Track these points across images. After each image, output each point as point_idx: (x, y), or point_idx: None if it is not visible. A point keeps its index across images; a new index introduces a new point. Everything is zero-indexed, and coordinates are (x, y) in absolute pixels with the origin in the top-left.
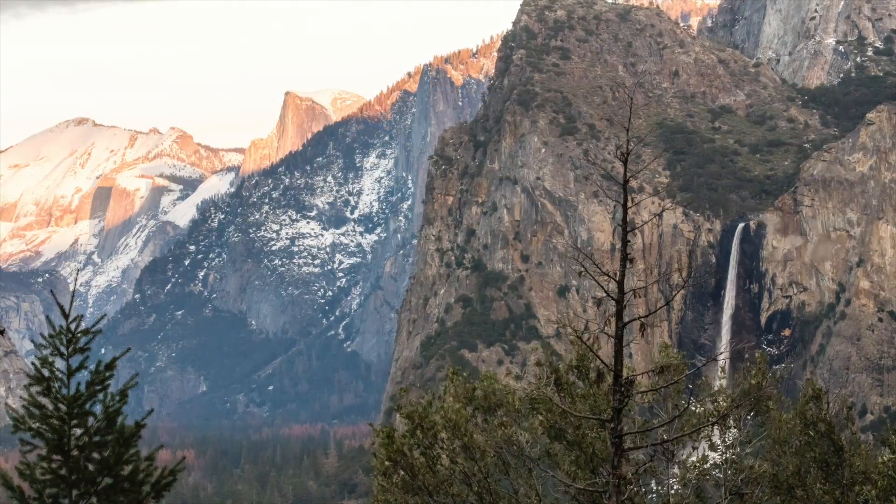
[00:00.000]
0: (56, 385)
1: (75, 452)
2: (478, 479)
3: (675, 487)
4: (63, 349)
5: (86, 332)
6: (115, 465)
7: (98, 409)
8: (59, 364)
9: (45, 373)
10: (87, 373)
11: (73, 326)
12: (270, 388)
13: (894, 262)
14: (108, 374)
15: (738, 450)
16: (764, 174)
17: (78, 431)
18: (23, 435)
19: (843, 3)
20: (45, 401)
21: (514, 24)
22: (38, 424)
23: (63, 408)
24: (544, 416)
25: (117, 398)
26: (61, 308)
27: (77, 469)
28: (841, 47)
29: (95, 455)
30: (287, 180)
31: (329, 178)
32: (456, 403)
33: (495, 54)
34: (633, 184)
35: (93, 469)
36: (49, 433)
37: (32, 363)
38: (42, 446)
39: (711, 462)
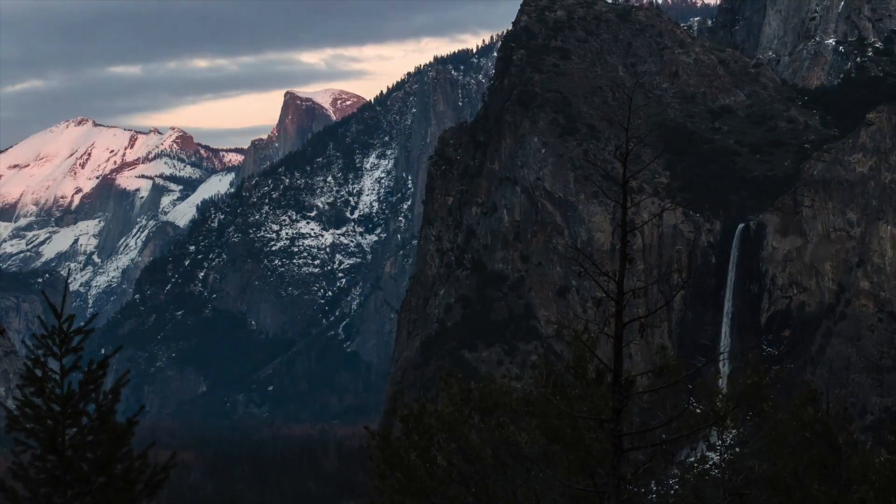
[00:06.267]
0: (49, 385)
1: (69, 452)
2: (475, 480)
3: (674, 488)
4: (56, 349)
5: (79, 331)
6: (108, 464)
7: (91, 408)
8: (53, 364)
9: (39, 373)
10: (81, 373)
11: (65, 326)
12: (270, 388)
13: (894, 263)
14: (100, 374)
15: (738, 450)
16: (764, 174)
17: (72, 431)
18: (17, 435)
19: (843, 3)
20: (38, 401)
21: (514, 24)
22: (31, 425)
23: (56, 408)
24: (542, 419)
25: (110, 396)
26: (53, 308)
27: (71, 468)
28: (841, 48)
29: (89, 454)
30: (287, 180)
31: (329, 179)
32: (451, 405)
33: (495, 55)
34: (633, 184)
35: (87, 468)
36: (43, 433)
37: (25, 363)
38: (36, 446)
39: (710, 463)
